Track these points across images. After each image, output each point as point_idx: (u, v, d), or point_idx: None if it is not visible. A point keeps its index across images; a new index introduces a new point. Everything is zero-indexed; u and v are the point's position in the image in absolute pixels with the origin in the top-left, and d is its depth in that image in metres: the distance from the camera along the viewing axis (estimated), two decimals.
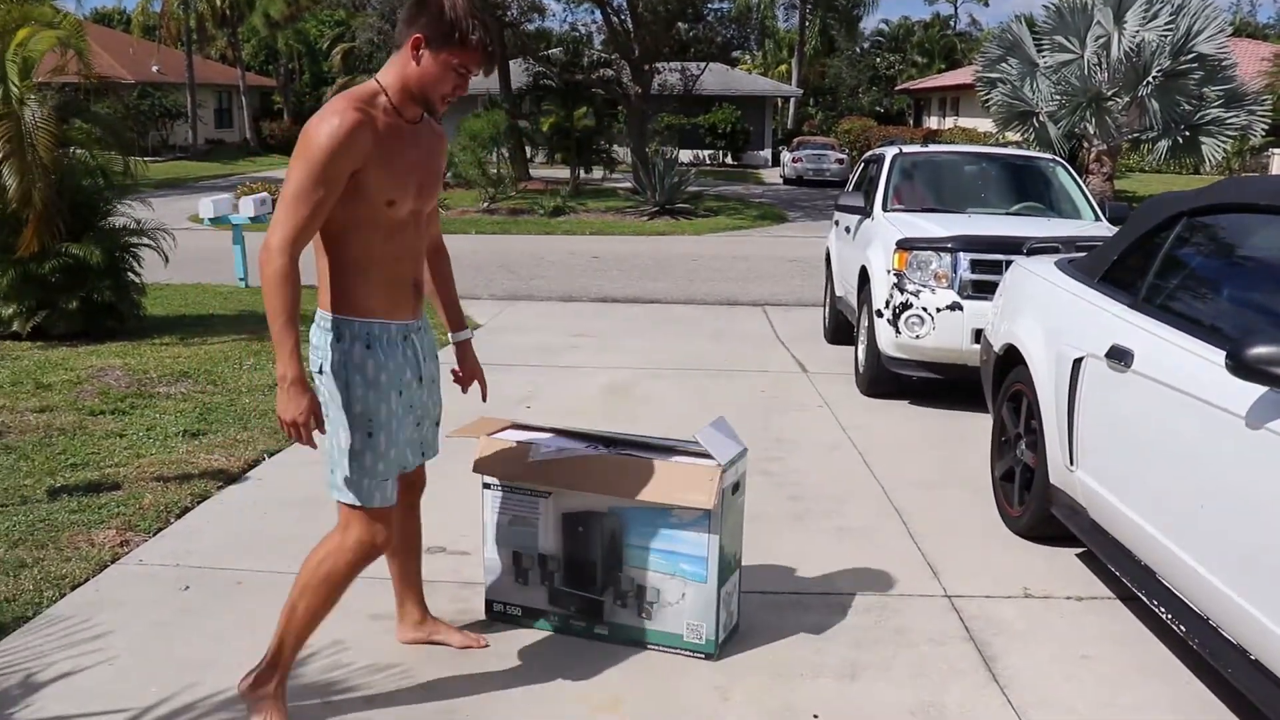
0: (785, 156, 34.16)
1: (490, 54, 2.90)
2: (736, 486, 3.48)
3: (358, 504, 2.92)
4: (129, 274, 8.88)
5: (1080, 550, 4.41)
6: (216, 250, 13.96)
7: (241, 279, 12.16)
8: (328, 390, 2.88)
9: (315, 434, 2.80)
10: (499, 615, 3.67)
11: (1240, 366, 2.80)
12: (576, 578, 3.54)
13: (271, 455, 5.59)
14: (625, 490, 3.37)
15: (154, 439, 5.79)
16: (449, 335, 3.44)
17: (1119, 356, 3.72)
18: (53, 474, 5.13)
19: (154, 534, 4.44)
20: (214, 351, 8.10)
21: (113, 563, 4.13)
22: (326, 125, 2.71)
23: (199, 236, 15.35)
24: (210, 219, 12.49)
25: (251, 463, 5.45)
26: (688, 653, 3.44)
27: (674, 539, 3.38)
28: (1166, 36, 18.17)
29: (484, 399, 3.51)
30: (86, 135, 8.92)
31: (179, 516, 4.66)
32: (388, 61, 2.91)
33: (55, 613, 3.70)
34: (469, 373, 3.46)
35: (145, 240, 8.96)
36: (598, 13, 25.16)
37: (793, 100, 49.01)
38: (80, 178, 8.68)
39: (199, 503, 4.84)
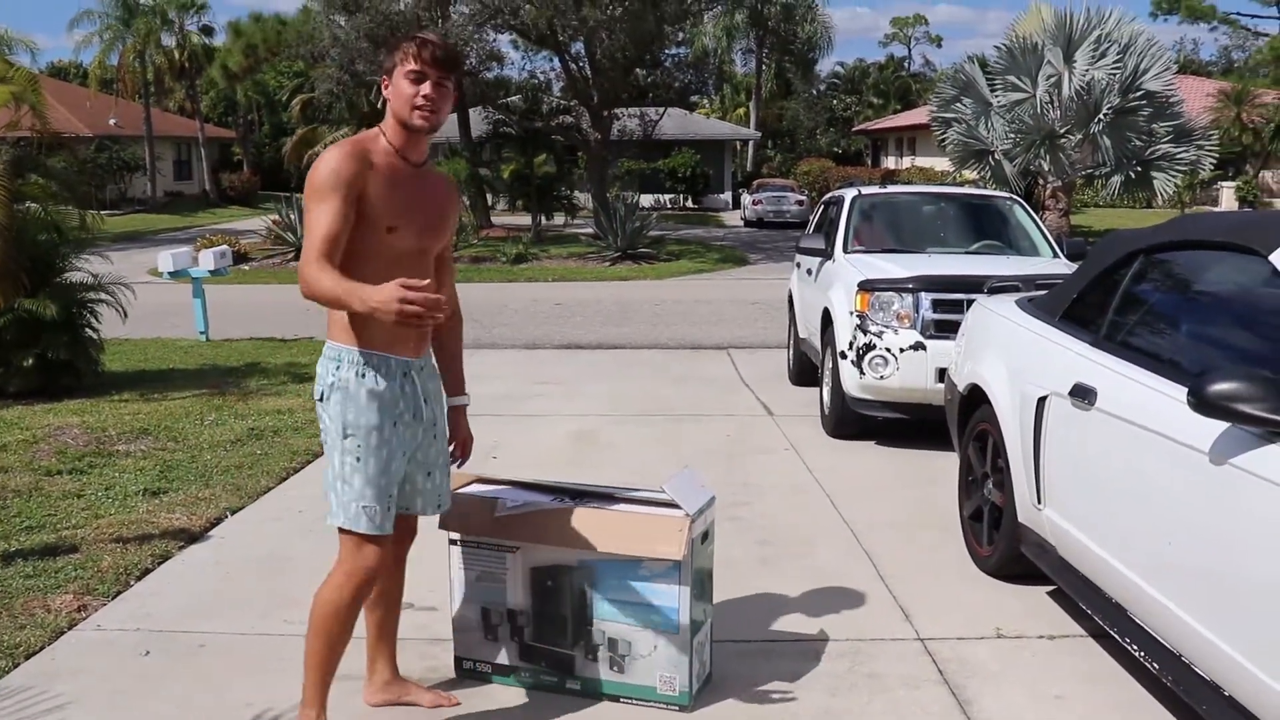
0: (745, 199, 34.38)
1: (428, 45, 2.95)
2: (706, 535, 3.46)
3: (347, 527, 2.98)
4: (86, 330, 8.78)
5: (1051, 588, 4.41)
6: (176, 304, 13.83)
7: (202, 332, 12.04)
8: (326, 416, 2.98)
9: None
10: (469, 673, 3.61)
11: (1202, 403, 2.82)
12: (547, 632, 3.49)
13: (234, 513, 5.51)
14: (593, 543, 3.34)
15: (113, 499, 5.68)
16: (444, 399, 3.37)
17: (1082, 394, 3.74)
18: (6, 538, 5.02)
19: (113, 597, 4.34)
20: (174, 407, 7.99)
21: (70, 629, 4.03)
22: (325, 159, 2.90)
23: (159, 290, 15.21)
24: (170, 272, 12.38)
25: (213, 521, 5.36)
26: (661, 705, 3.39)
27: (644, 590, 3.34)
28: (1115, 75, 18.55)
29: (459, 465, 3.50)
30: (42, 190, 8.84)
31: (139, 578, 4.56)
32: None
33: (9, 684, 3.60)
34: (459, 441, 3.45)
35: (103, 295, 8.86)
36: (556, 60, 25.35)
37: (751, 143, 49.45)
38: (35, 233, 8.58)
39: (159, 563, 4.75)
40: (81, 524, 5.23)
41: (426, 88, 2.94)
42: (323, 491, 3.04)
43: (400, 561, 3.36)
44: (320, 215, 2.85)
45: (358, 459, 2.96)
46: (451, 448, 3.39)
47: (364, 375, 2.97)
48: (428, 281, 2.73)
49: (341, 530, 3.01)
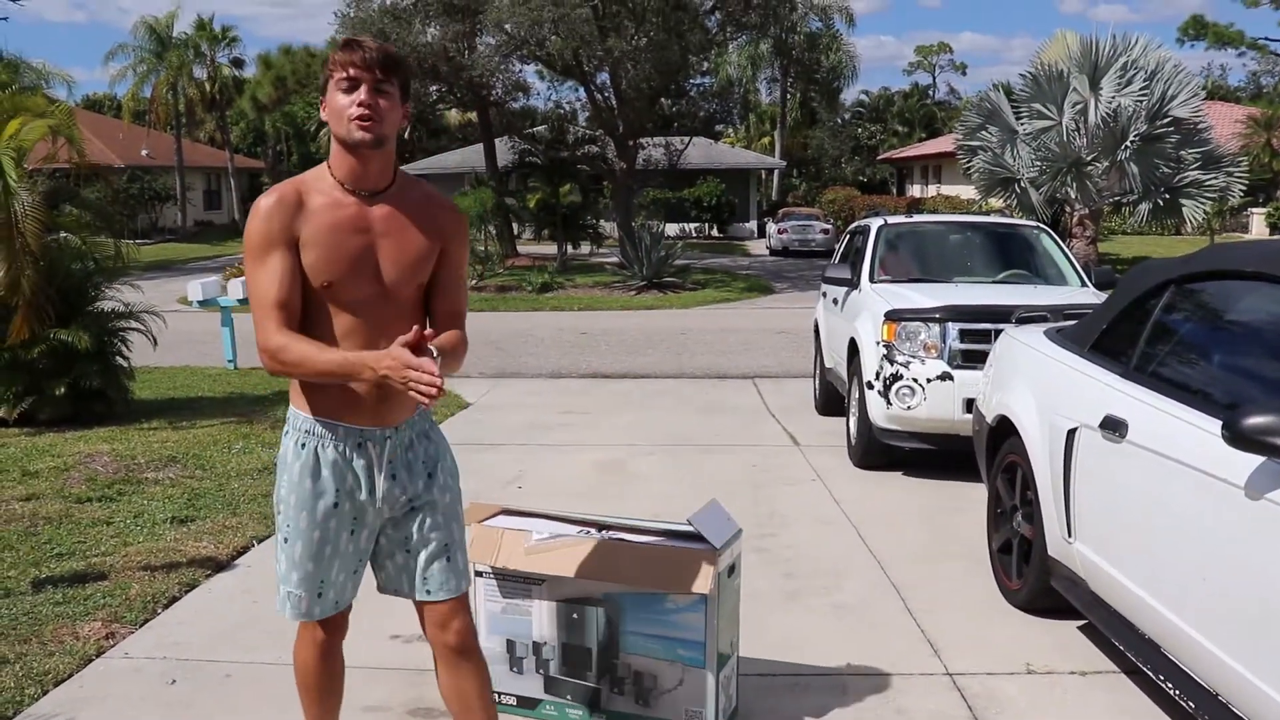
0: (771, 228, 34.42)
1: (358, 48, 2.54)
2: (732, 569, 3.44)
3: (277, 609, 2.78)
4: (117, 358, 8.87)
5: (1082, 623, 4.36)
6: (205, 332, 13.95)
7: (230, 361, 12.13)
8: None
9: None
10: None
11: (1237, 437, 2.78)
12: (572, 665, 3.47)
13: (260, 541, 5.52)
14: (620, 576, 3.33)
15: (141, 526, 5.72)
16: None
17: (1113, 427, 3.70)
18: (37, 564, 5.05)
19: (141, 625, 4.36)
20: (202, 435, 8.04)
21: (98, 656, 4.05)
22: (252, 211, 2.60)
23: (188, 319, 15.35)
24: (199, 301, 12.51)
25: (241, 549, 5.38)
26: None
27: (670, 624, 3.32)
28: (1142, 101, 18.49)
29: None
30: (76, 220, 8.96)
31: (166, 606, 4.58)
32: None
33: (37, 711, 3.61)
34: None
35: (134, 324, 8.95)
36: (581, 90, 25.52)
37: (776, 172, 49.55)
38: (69, 262, 8.69)
39: (187, 592, 4.77)
40: (110, 551, 5.26)
41: (362, 93, 2.52)
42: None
43: (457, 650, 2.84)
44: (260, 279, 2.55)
45: (285, 539, 2.71)
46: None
47: (304, 445, 2.66)
48: (428, 353, 2.44)
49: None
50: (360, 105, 2.52)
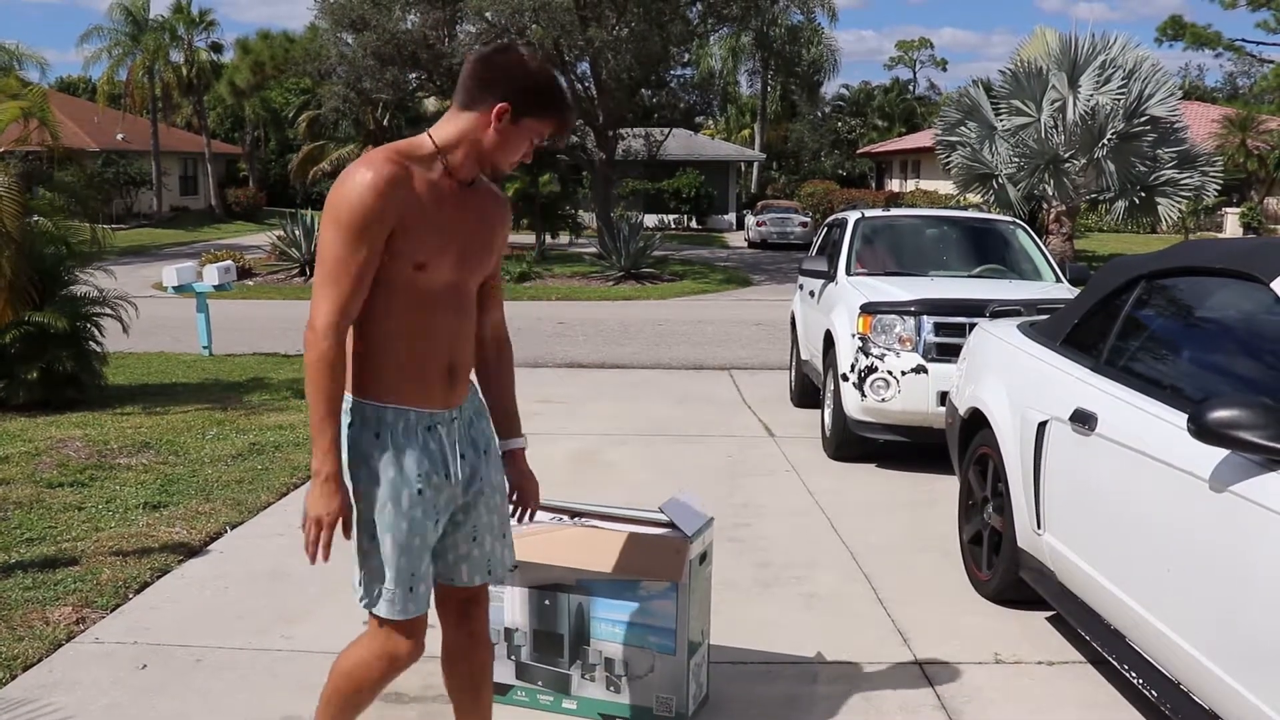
0: (749, 220, 34.50)
1: (566, 123, 2.63)
2: (704, 557, 3.46)
3: (371, 610, 2.62)
4: (91, 343, 8.80)
5: (1051, 614, 4.40)
6: (181, 319, 13.87)
7: (205, 347, 12.06)
8: (348, 483, 2.55)
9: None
10: None
11: (1202, 430, 2.82)
12: (544, 651, 3.49)
13: (234, 527, 5.51)
14: (591, 563, 3.34)
15: (113, 512, 5.69)
16: (495, 446, 2.87)
17: (1083, 420, 3.74)
18: (7, 550, 5.02)
19: (112, 610, 4.34)
20: (176, 421, 8.00)
21: (68, 641, 4.03)
22: (356, 180, 2.42)
23: (163, 304, 15.26)
24: (174, 287, 12.42)
25: (213, 535, 5.36)
26: None
27: (641, 611, 3.34)
28: (1120, 100, 18.60)
29: (525, 520, 3.01)
30: (50, 204, 8.89)
31: (138, 592, 4.56)
32: (446, 117, 2.58)
33: (7, 695, 3.60)
34: (521, 492, 2.96)
35: (107, 309, 8.89)
36: (562, 80, 25.46)
37: (756, 164, 49.61)
38: (43, 246, 8.61)
39: (159, 577, 4.75)
40: (81, 536, 5.23)
41: (528, 154, 2.61)
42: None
43: (475, 637, 2.84)
44: (344, 263, 2.44)
45: (372, 536, 2.57)
46: (514, 501, 2.94)
47: (379, 435, 2.55)
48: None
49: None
50: (526, 157, 2.62)
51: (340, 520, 2.48)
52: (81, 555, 4.93)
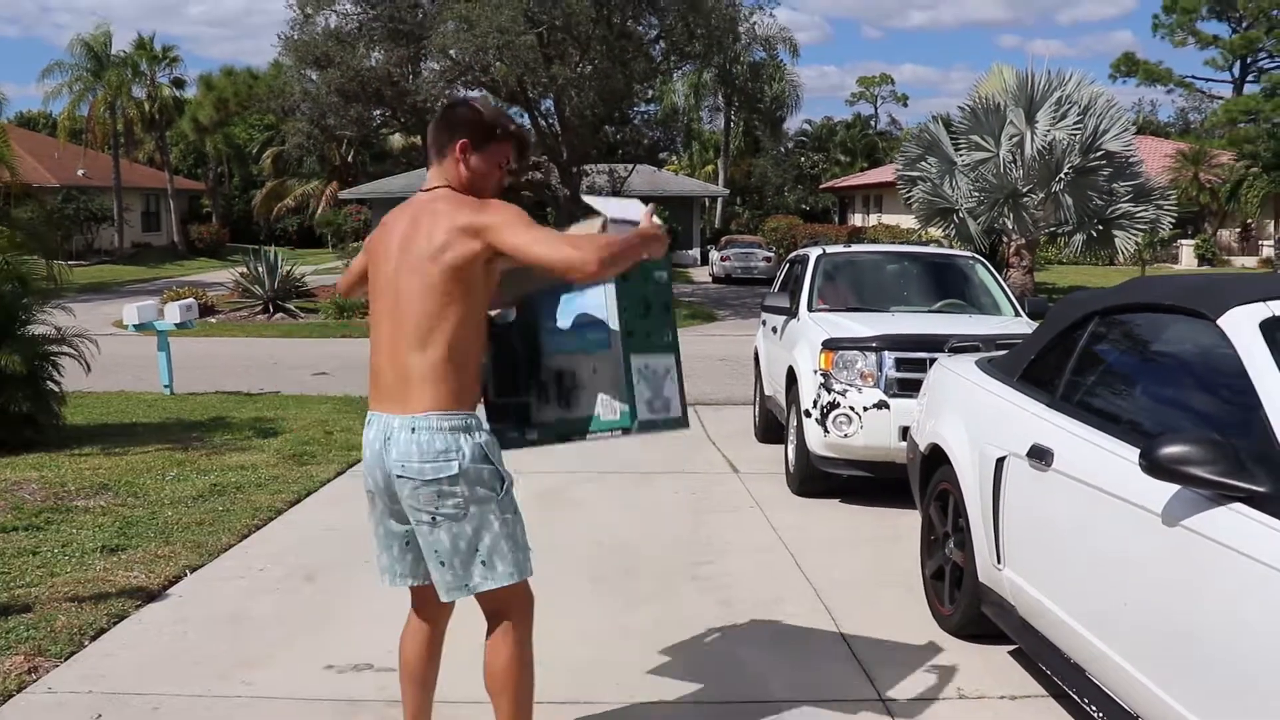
0: (714, 255, 34.66)
1: (527, 144, 3.16)
2: (660, 265, 3.30)
3: (525, 578, 3.04)
4: (49, 383, 8.69)
5: (1013, 648, 4.42)
6: (142, 357, 13.72)
7: (167, 386, 11.94)
8: (468, 486, 2.93)
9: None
10: None
11: (1153, 466, 2.86)
12: (505, 385, 3.36)
13: (194, 570, 5.44)
14: (529, 277, 3.21)
15: (69, 556, 5.60)
16: None
17: (1039, 455, 3.79)
18: None
19: (66, 659, 4.27)
20: (136, 462, 7.91)
21: (19, 691, 3.95)
22: (502, 202, 3.01)
23: (124, 342, 15.09)
24: (135, 325, 12.29)
25: (173, 579, 5.29)
26: (608, 433, 3.23)
27: (577, 308, 3.24)
28: (1076, 135, 18.93)
29: None
30: (7, 240, 8.79)
31: (94, 639, 4.49)
32: (432, 170, 3.09)
33: None
34: None
35: (66, 348, 8.79)
36: (526, 116, 25.57)
37: (720, 200, 49.91)
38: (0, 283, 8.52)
39: (115, 623, 4.67)
40: (36, 582, 5.15)
41: (503, 178, 3.13)
42: (462, 571, 2.97)
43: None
44: (538, 228, 2.92)
45: (515, 511, 3.03)
46: None
47: (488, 433, 3.03)
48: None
49: (505, 591, 3.00)
50: (502, 182, 3.13)
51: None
52: (35, 602, 4.85)
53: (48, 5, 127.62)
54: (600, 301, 3.20)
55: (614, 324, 3.17)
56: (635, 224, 3.11)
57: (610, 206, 3.27)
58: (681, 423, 3.29)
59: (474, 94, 24.62)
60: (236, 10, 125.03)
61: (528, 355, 3.31)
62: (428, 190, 3.07)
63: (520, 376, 3.34)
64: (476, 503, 2.93)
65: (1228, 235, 41.90)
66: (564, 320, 3.25)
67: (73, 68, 40.23)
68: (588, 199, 3.38)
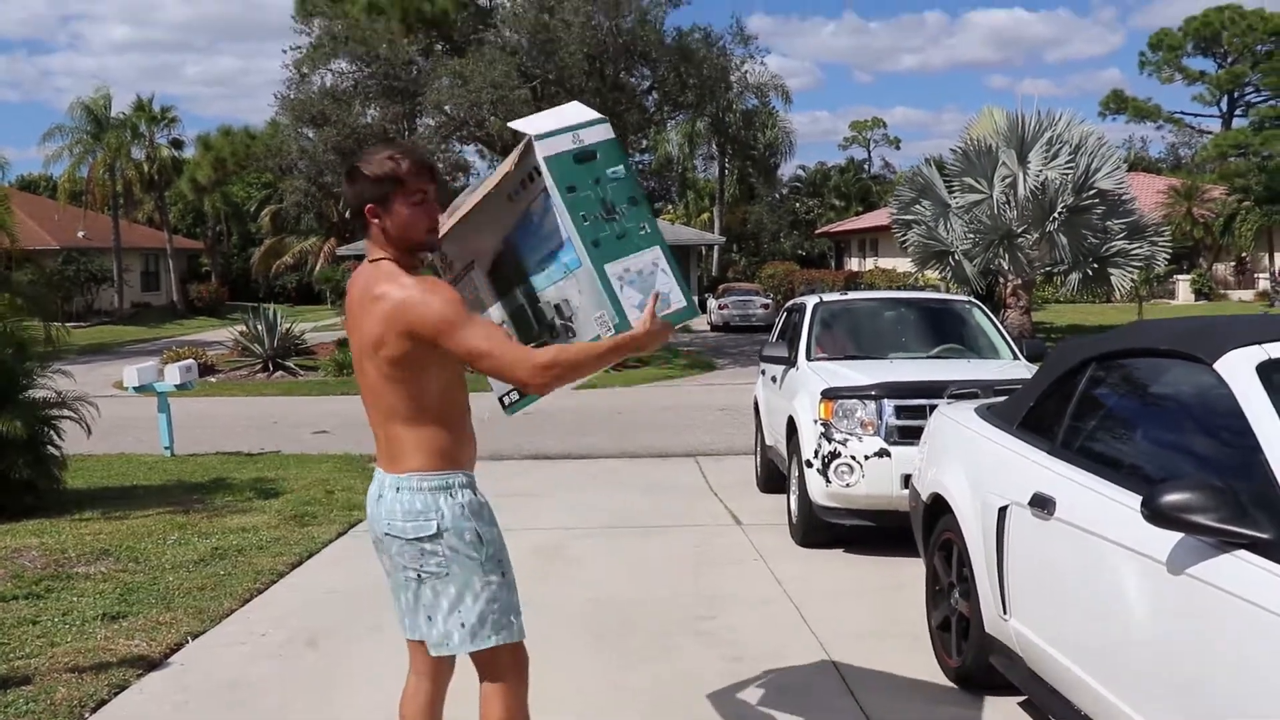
0: (711, 303, 34.75)
1: (424, 168, 2.96)
2: (588, 155, 3.15)
3: (513, 640, 3.02)
4: (49, 447, 8.68)
5: (1022, 699, 4.38)
6: (142, 418, 13.71)
7: (167, 448, 11.92)
8: (450, 546, 2.93)
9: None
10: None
11: (1155, 514, 2.85)
12: (522, 331, 3.36)
13: (195, 637, 5.40)
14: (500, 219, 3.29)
15: (70, 625, 5.56)
16: None
17: (1041, 504, 3.78)
18: None
19: None
20: (137, 526, 7.87)
21: None
22: (438, 291, 2.90)
23: (124, 404, 15.09)
24: (135, 387, 12.30)
25: (174, 646, 5.25)
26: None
27: (546, 238, 3.20)
28: (1068, 174, 19.06)
29: None
30: (7, 305, 8.82)
31: (94, 710, 4.45)
32: (368, 242, 3.02)
33: None
34: None
35: (67, 412, 8.79)
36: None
37: (716, 247, 50.13)
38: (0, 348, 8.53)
39: (116, 693, 4.63)
40: (36, 653, 5.11)
41: (431, 209, 2.98)
42: (443, 632, 2.98)
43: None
44: (482, 327, 2.91)
45: (503, 573, 3.00)
46: None
47: (477, 493, 3.02)
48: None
49: (492, 652, 2.99)
50: (431, 219, 2.98)
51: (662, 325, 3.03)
52: (35, 673, 4.81)
53: (49, 69, 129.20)
54: (556, 219, 3.14)
55: (576, 240, 3.10)
56: (572, 130, 3.13)
57: (538, 122, 3.19)
58: (690, 311, 3.21)
59: (464, 147, 24.77)
60: (233, 70, 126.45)
61: (529, 298, 3.32)
62: (372, 261, 3.00)
63: (530, 318, 3.36)
64: (459, 563, 2.93)
65: (1223, 269, 42.10)
66: (541, 250, 3.22)
67: (73, 131, 40.64)
68: (515, 123, 3.29)
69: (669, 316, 3.11)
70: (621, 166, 3.19)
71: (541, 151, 3.09)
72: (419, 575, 2.96)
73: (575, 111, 3.23)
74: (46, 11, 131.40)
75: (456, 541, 2.93)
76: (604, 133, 3.19)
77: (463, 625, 2.95)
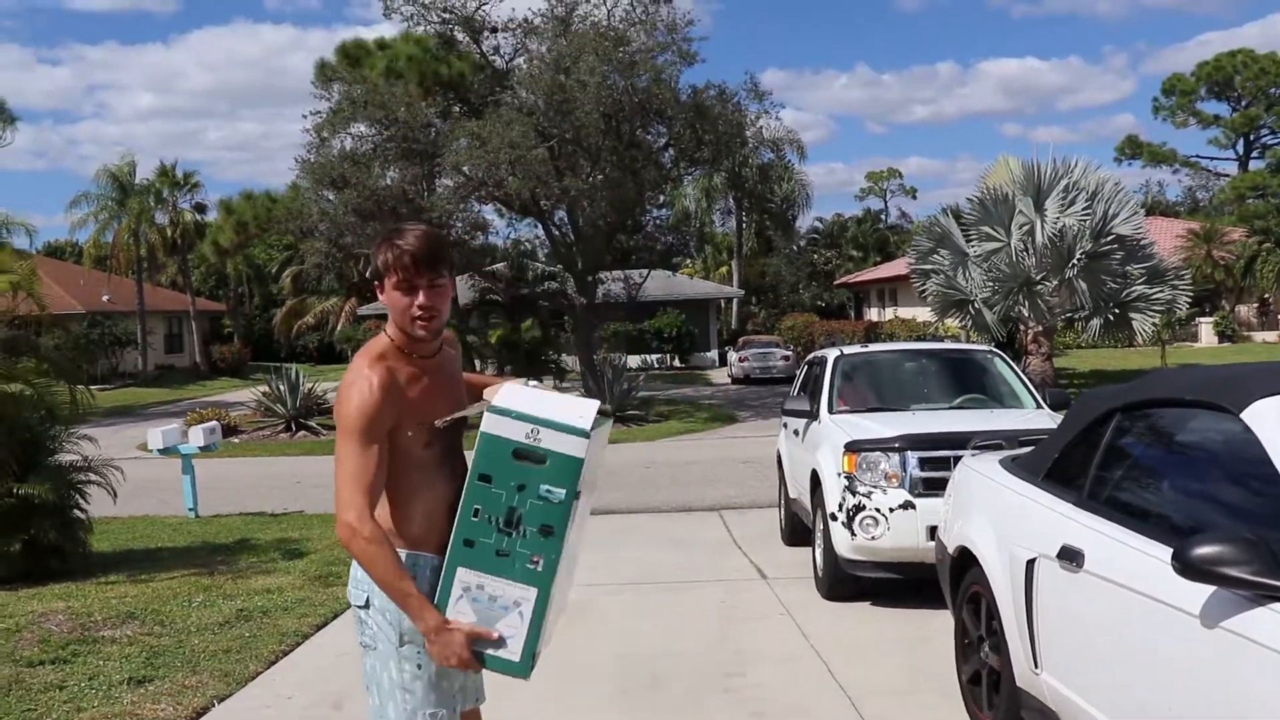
0: (732, 356, 34.77)
1: (407, 254, 2.77)
2: (533, 457, 2.73)
3: None
4: (75, 511, 8.73)
5: None
6: (166, 479, 13.78)
7: (191, 509, 11.97)
8: (372, 624, 2.86)
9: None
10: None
11: (1187, 568, 2.83)
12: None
13: (222, 701, 5.40)
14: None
15: (96, 689, 5.56)
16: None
17: (1070, 557, 3.75)
18: None
19: None
20: (162, 588, 7.89)
21: None
22: (356, 390, 2.74)
23: (148, 465, 15.18)
24: (159, 449, 12.39)
25: (200, 710, 5.25)
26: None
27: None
28: (1086, 221, 19.08)
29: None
30: (35, 370, 8.92)
31: None
32: None
33: None
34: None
35: (93, 476, 8.85)
36: (540, 227, 25.94)
37: (735, 300, 50.27)
38: (28, 413, 8.61)
39: None
40: (63, 718, 5.11)
41: (421, 297, 2.80)
42: (372, 708, 2.90)
43: None
44: (364, 461, 2.70)
45: (419, 665, 2.83)
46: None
47: (420, 579, 2.79)
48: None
49: None
50: (420, 308, 2.80)
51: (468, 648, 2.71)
52: None
53: (74, 138, 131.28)
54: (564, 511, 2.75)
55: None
56: (536, 424, 2.69)
57: (511, 395, 2.80)
58: (518, 670, 2.77)
59: (483, 207, 24.88)
60: (253, 135, 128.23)
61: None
62: (384, 336, 2.93)
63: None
64: (381, 641, 2.86)
65: (1246, 310, 41.88)
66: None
67: (98, 197, 41.25)
68: (512, 387, 2.86)
69: (492, 660, 2.76)
70: (564, 491, 2.70)
71: (486, 424, 2.73)
72: (361, 644, 2.95)
73: (572, 409, 2.78)
74: (73, 83, 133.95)
75: (381, 619, 2.84)
76: (575, 447, 2.70)
77: (373, 703, 2.90)
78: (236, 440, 21.07)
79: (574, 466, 2.69)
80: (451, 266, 2.92)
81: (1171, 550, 2.94)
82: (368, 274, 2.99)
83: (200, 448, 12.42)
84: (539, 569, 2.72)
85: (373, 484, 2.70)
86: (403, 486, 2.83)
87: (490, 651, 2.73)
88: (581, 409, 2.76)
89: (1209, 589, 2.91)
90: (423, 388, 2.87)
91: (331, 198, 23.46)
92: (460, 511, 2.72)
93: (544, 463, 2.68)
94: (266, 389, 23.03)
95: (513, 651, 2.74)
